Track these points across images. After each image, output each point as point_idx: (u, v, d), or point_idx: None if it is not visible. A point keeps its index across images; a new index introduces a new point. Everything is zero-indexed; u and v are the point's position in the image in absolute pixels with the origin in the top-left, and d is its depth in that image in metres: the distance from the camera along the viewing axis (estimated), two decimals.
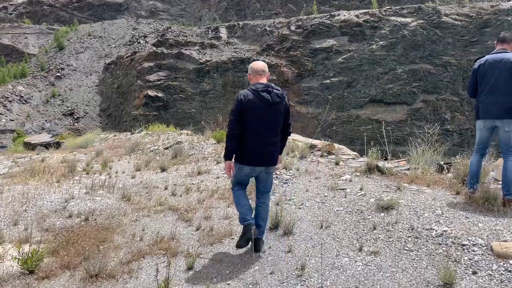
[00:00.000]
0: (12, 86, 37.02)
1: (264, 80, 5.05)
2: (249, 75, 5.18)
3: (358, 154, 10.54)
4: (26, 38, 40.26)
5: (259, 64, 5.12)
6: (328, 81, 35.06)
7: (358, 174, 8.12)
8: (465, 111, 34.39)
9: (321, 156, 9.55)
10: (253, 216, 5.16)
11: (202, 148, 12.57)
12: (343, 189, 7.37)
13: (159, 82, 36.23)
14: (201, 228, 6.46)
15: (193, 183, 9.14)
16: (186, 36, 39.25)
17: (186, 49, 37.11)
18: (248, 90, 4.90)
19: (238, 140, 4.86)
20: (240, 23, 38.81)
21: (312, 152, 9.73)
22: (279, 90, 4.94)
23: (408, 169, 8.10)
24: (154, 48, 37.33)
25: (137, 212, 7.42)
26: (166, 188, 8.89)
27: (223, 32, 38.62)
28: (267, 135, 4.89)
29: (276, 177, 8.36)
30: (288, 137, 5.47)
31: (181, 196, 8.28)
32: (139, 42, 39.36)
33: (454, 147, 34.70)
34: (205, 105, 35.64)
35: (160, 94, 35.78)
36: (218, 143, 12.70)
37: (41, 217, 7.15)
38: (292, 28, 36.48)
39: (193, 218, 6.90)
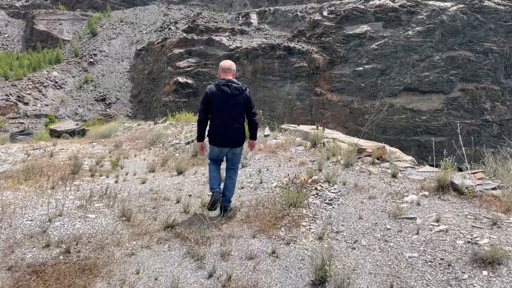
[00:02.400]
0: (47, 71, 35.76)
1: (229, 77, 5.80)
2: (218, 72, 5.96)
3: (414, 160, 8.20)
4: (61, 24, 38.85)
5: (226, 63, 5.95)
6: (361, 68, 32.34)
7: (426, 193, 5.82)
8: (507, 100, 31.13)
9: (372, 163, 7.27)
10: (222, 186, 6.13)
11: None
12: (411, 218, 5.11)
13: (189, 69, 34.28)
14: (216, 274, 4.39)
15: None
16: (216, 22, 37.03)
17: (217, 35, 34.92)
18: (213, 85, 5.78)
19: (205, 126, 5.88)
20: (271, 8, 36.26)
21: (359, 158, 7.46)
22: (238, 84, 5.74)
23: (496, 188, 5.75)
24: (184, 34, 35.31)
25: (136, 239, 5.38)
26: (178, 201, 6.81)
27: (254, 18, 36.21)
28: (229, 121, 5.73)
29: (317, 194, 6.15)
30: (254, 123, 5.99)
31: (194, 214, 6.19)
32: (170, 28, 37.39)
33: (493, 138, 31.60)
34: None
35: (190, 81, 33.86)
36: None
37: (11, 245, 5.20)
38: (325, 13, 33.73)
39: (206, 255, 4.84)
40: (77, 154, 11.22)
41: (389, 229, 4.97)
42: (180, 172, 8.76)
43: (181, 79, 33.97)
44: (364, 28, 32.92)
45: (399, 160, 7.67)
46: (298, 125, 11.18)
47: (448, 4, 32.46)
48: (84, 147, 13.73)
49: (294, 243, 4.98)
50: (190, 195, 7.16)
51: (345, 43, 32.79)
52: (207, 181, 7.92)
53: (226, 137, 5.79)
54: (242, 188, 7.21)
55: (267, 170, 7.86)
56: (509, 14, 31.80)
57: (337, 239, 4.93)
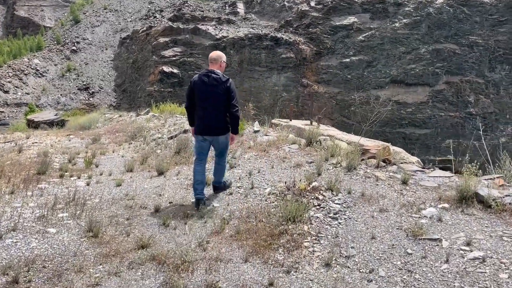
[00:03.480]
0: (28, 59, 33.98)
1: (214, 67, 5.79)
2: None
3: (420, 161, 7.26)
4: (42, 10, 36.87)
5: (212, 55, 5.94)
6: (348, 60, 31.40)
7: (446, 205, 4.85)
8: (490, 94, 30.58)
9: (377, 166, 6.28)
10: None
11: None
12: (434, 239, 4.15)
13: (174, 58, 32.89)
14: None
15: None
16: (202, 11, 35.60)
17: (203, 24, 33.52)
18: (197, 75, 5.87)
19: (191, 113, 6.00)
20: None
21: (362, 160, 6.47)
22: (218, 75, 5.67)
23: None
24: (170, 22, 33.83)
25: (103, 262, 4.33)
26: (157, 210, 5.74)
27: (241, 7, 34.87)
28: (210, 110, 5.72)
29: (319, 205, 5.14)
30: (234, 115, 5.72)
31: (175, 229, 5.14)
32: (155, 17, 35.77)
33: (476, 131, 31.07)
34: None
35: (175, 70, 32.51)
36: None
37: None
38: (312, 4, 32.60)
39: (188, 286, 3.82)
40: (49, 150, 10.02)
41: (411, 254, 3.98)
42: (161, 173, 7.66)
43: (166, 69, 32.60)
44: (351, 19, 31.94)
45: (405, 162, 6.71)
46: (290, 120, 10.14)
47: None
48: (60, 140, 12.51)
49: (296, 271, 3.97)
50: (171, 203, 6.08)
51: (332, 34, 31.78)
52: (191, 185, 6.86)
53: (206, 125, 5.79)
54: (231, 194, 6.17)
55: (259, 172, 6.82)
56: (494, 7, 31.15)
57: (348, 267, 3.93)
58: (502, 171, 6.14)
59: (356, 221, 4.72)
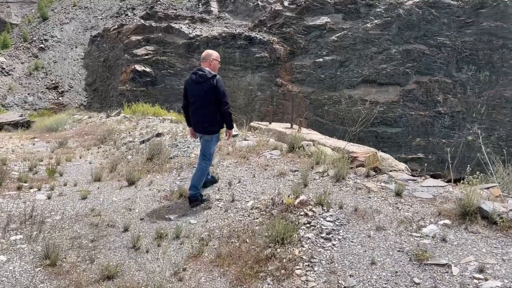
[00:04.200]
0: None
1: (204, 65, 5.68)
2: None
3: (408, 168, 6.77)
4: (8, 7, 34.92)
5: (203, 53, 5.84)
6: (321, 59, 31.05)
7: (447, 222, 4.32)
8: (458, 93, 30.85)
9: (367, 176, 5.73)
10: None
11: (189, 146, 8.61)
12: (442, 265, 3.60)
13: (147, 57, 31.77)
14: None
15: (170, 219, 5.28)
16: (175, 9, 34.56)
17: (176, 23, 32.49)
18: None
19: (186, 111, 5.86)
20: None
21: (351, 168, 5.90)
22: (204, 72, 5.50)
23: None
24: (142, 21, 32.65)
25: None
26: (126, 230, 5.01)
27: (214, 6, 34.01)
28: (198, 108, 5.58)
29: (309, 223, 4.54)
30: (225, 113, 5.53)
31: (147, 252, 4.43)
32: (126, 14, 34.47)
33: (445, 129, 31.30)
34: None
35: (148, 69, 31.40)
36: None
37: None
38: (285, 3, 32.09)
39: None
40: (8, 156, 9.06)
41: (418, 283, 3.43)
42: (131, 182, 6.91)
43: (138, 67, 31.45)
44: (324, 19, 31.58)
45: (394, 170, 6.19)
46: (270, 123, 9.51)
47: None
48: (23, 144, 11.51)
49: None
50: (143, 219, 5.36)
51: (305, 34, 31.37)
52: (165, 197, 6.15)
53: (196, 122, 5.70)
54: (209, 208, 5.50)
55: (239, 182, 6.16)
56: (461, 9, 31.41)
57: None
58: (496, 179, 5.69)
59: (352, 242, 4.14)
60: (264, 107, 28.72)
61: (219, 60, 5.85)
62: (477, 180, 5.12)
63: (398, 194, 5.06)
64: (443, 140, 30.93)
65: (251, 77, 29.80)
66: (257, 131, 9.01)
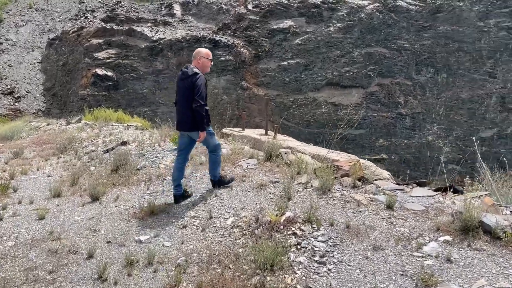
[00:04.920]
0: None
1: (193, 63, 5.63)
2: None
3: (391, 175, 6.42)
4: None
5: (194, 51, 5.81)
6: (286, 63, 30.83)
7: (448, 238, 3.93)
8: (417, 95, 31.43)
9: (354, 187, 5.30)
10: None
11: (157, 155, 7.95)
12: None
13: (108, 60, 30.47)
14: None
15: (141, 242, 4.65)
16: (137, 12, 33.41)
17: (138, 26, 31.40)
18: None
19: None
20: (195, 0, 33.43)
21: (336, 178, 5.46)
22: (187, 69, 5.50)
23: None
24: (103, 23, 31.32)
25: None
26: (90, 256, 4.34)
27: (177, 9, 33.13)
28: (180, 105, 5.55)
29: (299, 244, 4.04)
30: (194, 111, 5.31)
31: (116, 284, 3.80)
32: (86, 17, 32.98)
33: (406, 130, 31.80)
34: (158, 85, 30.46)
35: (109, 73, 30.11)
36: None
37: None
38: (249, 7, 31.67)
39: None
40: None
41: None
42: (95, 198, 6.20)
43: (100, 71, 30.13)
44: (288, 23, 31.42)
45: (379, 178, 5.82)
46: (243, 130, 8.97)
47: (366, 2, 32.00)
48: None
49: None
50: (109, 242, 4.71)
51: (270, 38, 31.06)
52: (133, 214, 5.51)
53: (177, 119, 5.65)
54: (184, 227, 4.91)
55: (216, 196, 5.60)
56: (419, 13, 32.08)
57: None
58: (483, 187, 5.41)
59: (349, 265, 3.67)
60: (230, 110, 28.14)
61: (210, 58, 5.70)
62: (476, 188, 4.78)
63: (389, 206, 4.66)
64: (405, 141, 31.41)
65: (217, 80, 29.17)
66: (230, 138, 8.45)
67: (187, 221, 5.00)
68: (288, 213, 4.46)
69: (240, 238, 4.36)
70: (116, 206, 5.80)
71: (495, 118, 30.65)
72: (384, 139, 31.25)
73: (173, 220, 5.11)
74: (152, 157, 7.82)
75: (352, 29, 31.28)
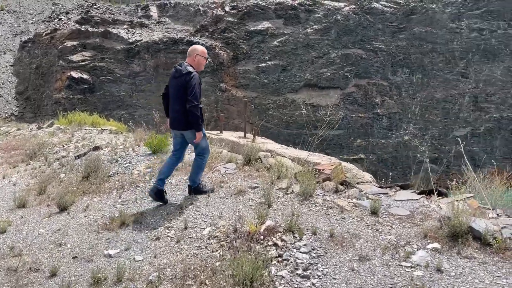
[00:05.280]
0: None
1: (189, 60, 5.34)
2: None
3: (373, 177, 6.19)
4: None
5: (189, 48, 5.57)
6: (264, 64, 30.62)
7: (437, 246, 3.69)
8: (394, 95, 31.68)
9: (336, 191, 5.04)
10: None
11: (131, 161, 7.53)
12: None
13: (84, 63, 29.65)
14: None
15: (110, 256, 4.27)
16: (113, 14, 32.66)
17: (114, 28, 30.67)
18: None
19: (165, 100, 5.53)
20: (172, 1, 32.86)
21: (317, 183, 5.18)
22: (181, 67, 5.27)
23: None
24: (77, 25, 30.47)
25: None
26: (54, 274, 3.94)
27: (154, 11, 32.54)
28: (173, 103, 5.32)
29: (280, 256, 3.73)
30: (188, 111, 5.06)
31: None
32: (60, 19, 31.99)
33: (383, 130, 31.98)
34: (135, 87, 29.80)
35: (85, 76, 29.31)
36: (154, 154, 7.69)
37: None
38: (227, 9, 31.32)
39: None
40: None
41: None
42: (63, 208, 5.76)
43: (75, 74, 29.28)
44: (265, 25, 31.20)
45: (362, 182, 5.57)
46: (221, 132, 8.63)
47: (342, 4, 32.08)
48: None
49: None
50: (76, 257, 4.31)
51: (247, 39, 30.79)
52: (104, 225, 5.11)
53: (170, 118, 5.44)
54: (158, 239, 4.54)
55: (192, 204, 5.25)
56: (394, 15, 32.33)
57: None
58: (467, 189, 5.22)
59: (335, 278, 3.38)
60: (209, 112, 27.70)
61: (206, 56, 5.50)
62: (462, 190, 4.58)
63: (374, 212, 4.40)
64: (382, 141, 31.60)
65: None
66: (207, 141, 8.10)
67: (161, 231, 4.64)
68: (269, 222, 4.15)
69: (217, 250, 4.03)
70: (85, 217, 5.39)
71: (468, 117, 31.11)
72: (361, 139, 31.36)
73: (146, 231, 4.74)
74: (125, 162, 7.40)
75: (329, 31, 31.28)
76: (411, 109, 31.49)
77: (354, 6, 31.67)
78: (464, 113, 31.04)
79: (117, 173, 6.99)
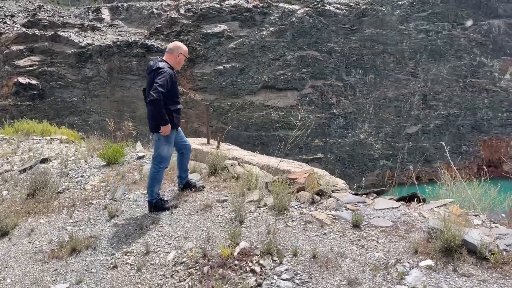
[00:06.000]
0: None
1: (169, 57, 4.93)
2: None
3: (345, 183, 5.79)
4: None
5: (171, 44, 5.08)
6: (221, 67, 30.02)
7: (430, 263, 3.28)
8: (348, 95, 32.02)
9: (312, 202, 4.57)
10: None
11: (83, 174, 6.72)
12: None
13: (32, 68, 27.81)
14: None
15: None
16: (62, 17, 30.86)
17: (63, 31, 28.97)
18: None
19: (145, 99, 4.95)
20: (125, 4, 31.50)
21: (291, 193, 4.69)
22: (153, 62, 4.97)
23: None
24: (24, 29, 28.53)
25: None
26: None
27: (106, 14, 31.06)
28: (146, 102, 4.79)
29: (260, 287, 3.20)
30: (150, 103, 4.55)
31: None
32: (5, 22, 29.83)
33: (340, 129, 32.23)
34: (88, 93, 28.28)
35: (33, 81, 27.49)
36: (109, 166, 6.92)
37: None
38: (182, 11, 30.43)
39: None
40: None
41: None
42: (4, 233, 4.95)
43: (22, 80, 27.40)
44: (221, 27, 30.59)
45: (337, 189, 5.14)
46: None
47: (296, 6, 32.03)
48: None
49: None
50: None
51: (204, 42, 30.06)
52: (51, 252, 4.36)
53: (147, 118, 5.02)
54: (115, 267, 3.88)
55: (153, 223, 4.60)
56: (346, 17, 32.67)
57: None
58: (449, 192, 4.92)
59: None
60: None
61: (187, 56, 5.25)
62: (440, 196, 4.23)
63: (356, 225, 3.97)
64: (339, 140, 31.85)
65: None
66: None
67: (119, 258, 3.98)
68: (243, 244, 3.61)
69: (185, 280, 3.44)
70: (29, 243, 4.62)
71: (419, 115, 31.95)
72: (319, 139, 31.44)
73: (101, 258, 4.06)
74: (77, 176, 6.60)
75: (284, 33, 31.13)
76: (365, 108, 31.93)
77: (308, 9, 31.72)
78: (415, 111, 31.85)
79: (68, 189, 6.19)
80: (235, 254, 3.49)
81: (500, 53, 32.20)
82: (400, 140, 31.43)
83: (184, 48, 5.14)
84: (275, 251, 3.49)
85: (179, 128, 5.15)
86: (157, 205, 4.86)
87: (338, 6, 32.49)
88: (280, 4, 31.69)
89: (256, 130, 30.41)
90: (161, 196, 5.02)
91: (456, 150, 31.58)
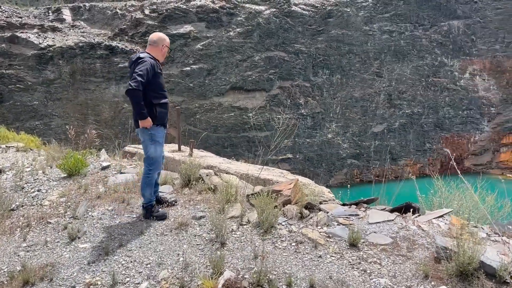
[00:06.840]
0: None
1: (153, 49, 4.64)
2: None
3: (331, 192, 5.31)
4: None
5: (154, 36, 4.76)
6: (189, 68, 29.24)
7: None
8: (316, 96, 31.92)
9: (301, 217, 4.04)
10: None
11: (40, 188, 5.92)
12: None
13: None
14: None
15: None
16: (21, 17, 29.10)
17: (22, 32, 27.31)
18: None
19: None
20: (87, 4, 30.07)
21: (277, 206, 4.15)
22: (135, 54, 4.59)
23: None
24: None
25: None
26: None
27: (67, 14, 29.53)
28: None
29: None
30: (127, 92, 4.21)
31: None
32: None
33: (308, 129, 32.05)
34: (50, 96, 26.78)
35: None
36: (70, 178, 6.14)
37: None
38: (146, 12, 29.37)
39: None
40: None
41: None
42: None
43: None
44: (187, 28, 29.76)
45: (324, 200, 4.66)
46: None
47: (263, 7, 31.61)
48: None
49: None
50: None
51: (170, 43, 29.04)
52: (1, 287, 3.64)
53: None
54: None
55: (121, 246, 3.94)
56: (312, 18, 32.57)
57: None
58: (443, 201, 4.53)
59: None
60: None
61: (169, 47, 4.86)
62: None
63: (353, 244, 3.48)
64: (308, 140, 31.71)
65: (116, 88, 26.47)
66: (135, 158, 6.72)
67: None
68: (227, 273, 3.04)
69: None
70: None
71: (384, 114, 32.26)
72: (288, 140, 31.23)
73: (54, 285, 3.39)
74: (33, 190, 5.80)
75: (251, 34, 30.64)
76: (332, 108, 31.93)
77: (274, 10, 31.36)
78: (381, 110, 32.13)
79: (22, 205, 5.40)
80: (219, 285, 2.91)
81: (460, 53, 33.01)
82: (366, 139, 31.64)
83: (168, 39, 4.85)
84: (266, 281, 2.94)
85: None
86: (147, 210, 4.32)
87: (304, 7, 32.32)
88: (247, 5, 31.18)
89: (225, 131, 29.76)
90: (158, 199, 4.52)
91: (420, 148, 32.11)
